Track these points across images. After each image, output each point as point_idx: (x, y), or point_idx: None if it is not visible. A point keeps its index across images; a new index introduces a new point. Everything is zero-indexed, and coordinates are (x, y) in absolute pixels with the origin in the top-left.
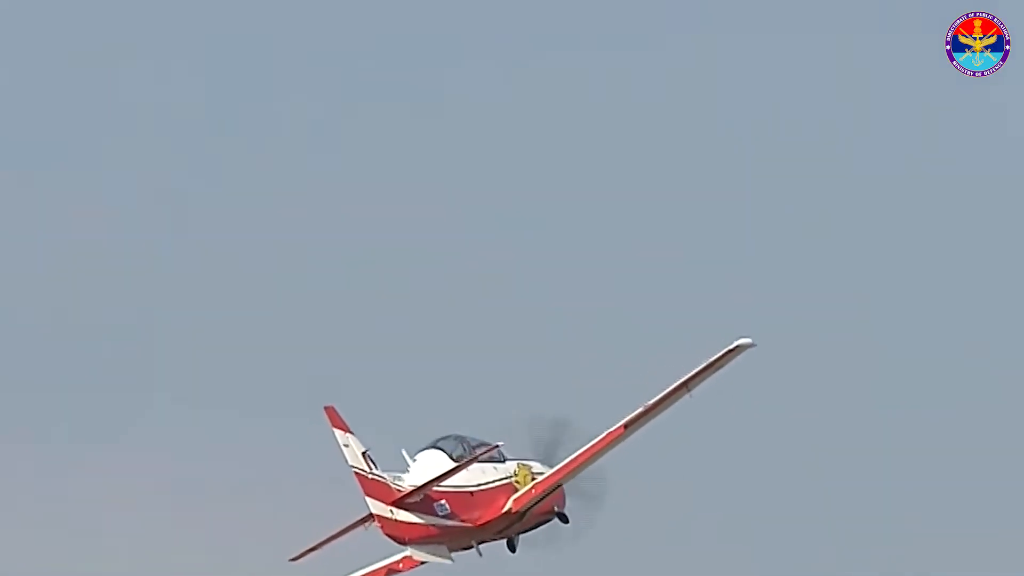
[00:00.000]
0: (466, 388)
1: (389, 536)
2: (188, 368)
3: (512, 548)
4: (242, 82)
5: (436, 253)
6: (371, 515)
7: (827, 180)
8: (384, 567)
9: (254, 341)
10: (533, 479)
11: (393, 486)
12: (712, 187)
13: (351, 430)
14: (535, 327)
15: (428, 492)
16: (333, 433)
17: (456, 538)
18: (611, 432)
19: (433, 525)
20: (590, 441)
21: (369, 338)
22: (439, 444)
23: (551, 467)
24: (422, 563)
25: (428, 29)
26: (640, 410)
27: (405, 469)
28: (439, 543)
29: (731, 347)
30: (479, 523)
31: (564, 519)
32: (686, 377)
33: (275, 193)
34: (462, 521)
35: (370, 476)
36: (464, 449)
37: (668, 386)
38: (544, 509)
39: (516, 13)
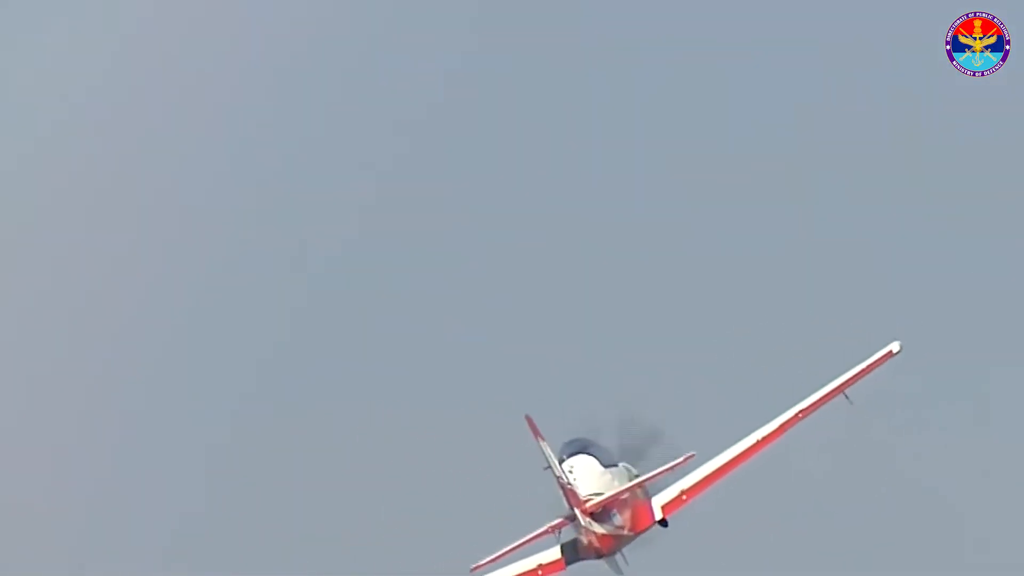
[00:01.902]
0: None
1: (592, 548)
2: None
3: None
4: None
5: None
6: (561, 523)
7: (826, 180)
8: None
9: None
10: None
11: (581, 496)
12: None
13: (544, 437)
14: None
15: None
16: (537, 443)
17: (621, 547)
18: (766, 436)
19: (610, 535)
20: (730, 447)
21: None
22: (585, 449)
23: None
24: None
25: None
26: (795, 412)
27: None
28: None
29: (884, 352)
30: (636, 530)
31: (663, 523)
32: (841, 380)
33: None
34: (620, 528)
35: (568, 485)
36: (600, 452)
37: (816, 392)
38: None
39: None
